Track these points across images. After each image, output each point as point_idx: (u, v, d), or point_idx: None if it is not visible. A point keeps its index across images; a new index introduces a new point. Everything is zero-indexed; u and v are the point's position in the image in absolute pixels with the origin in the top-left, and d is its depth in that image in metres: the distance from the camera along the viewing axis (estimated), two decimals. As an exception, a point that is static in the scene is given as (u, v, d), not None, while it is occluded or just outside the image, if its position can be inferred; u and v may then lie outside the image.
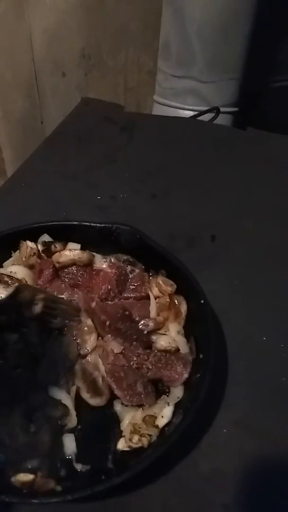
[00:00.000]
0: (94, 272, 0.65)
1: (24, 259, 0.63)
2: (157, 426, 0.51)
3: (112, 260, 0.65)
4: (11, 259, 0.65)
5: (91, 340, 0.57)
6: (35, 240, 0.66)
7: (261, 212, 0.83)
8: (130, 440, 0.51)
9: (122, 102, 1.60)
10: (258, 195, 0.86)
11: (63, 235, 0.67)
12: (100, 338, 0.58)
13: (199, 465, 0.52)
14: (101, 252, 0.67)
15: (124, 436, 0.52)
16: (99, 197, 0.84)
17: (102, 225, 0.66)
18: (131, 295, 0.63)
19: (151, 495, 0.50)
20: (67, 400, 0.52)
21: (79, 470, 0.49)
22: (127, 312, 0.59)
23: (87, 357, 0.56)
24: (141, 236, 0.65)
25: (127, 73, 1.58)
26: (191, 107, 1.12)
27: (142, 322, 0.59)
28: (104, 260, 0.66)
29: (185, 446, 0.52)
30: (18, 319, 0.53)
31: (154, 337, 0.59)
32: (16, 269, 0.61)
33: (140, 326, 0.59)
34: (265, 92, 1.31)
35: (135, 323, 0.59)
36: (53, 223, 0.67)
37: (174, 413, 0.52)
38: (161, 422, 0.51)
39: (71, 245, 0.65)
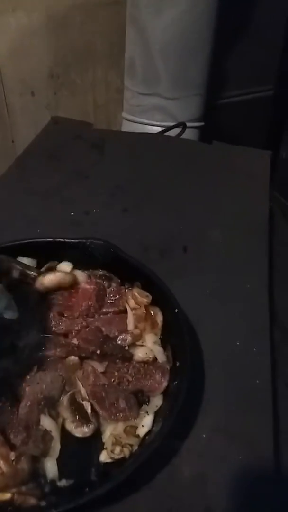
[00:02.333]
0: (72, 290, 0.65)
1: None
2: (138, 436, 0.52)
3: (90, 276, 0.66)
4: None
5: (76, 377, 0.57)
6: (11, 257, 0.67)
7: (229, 221, 0.86)
8: (112, 451, 0.51)
9: (92, 119, 1.63)
10: (225, 206, 0.90)
11: (39, 252, 0.68)
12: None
13: (181, 471, 0.53)
14: (76, 267, 0.69)
15: (106, 448, 0.52)
16: (72, 213, 0.85)
17: (77, 240, 0.67)
18: (110, 309, 0.64)
19: (135, 505, 0.50)
20: (55, 431, 0.52)
21: (62, 485, 0.49)
22: (104, 333, 0.60)
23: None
24: (115, 250, 0.67)
25: (96, 91, 1.61)
26: (158, 123, 1.16)
27: (120, 337, 0.60)
28: (81, 276, 0.66)
29: (166, 453, 0.53)
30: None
31: (132, 350, 0.60)
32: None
33: (119, 342, 0.60)
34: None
35: (115, 339, 0.60)
36: (28, 240, 0.68)
37: (154, 422, 0.53)
38: (142, 431, 0.52)
39: (64, 265, 0.67)
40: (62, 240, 0.68)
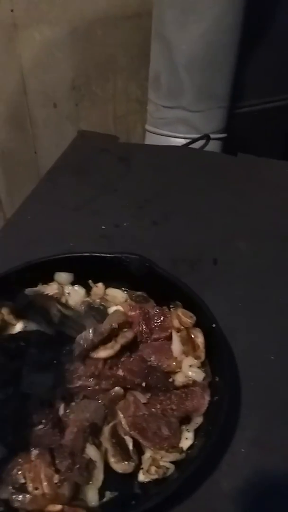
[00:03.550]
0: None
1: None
2: (181, 449, 0.53)
3: (130, 301, 0.68)
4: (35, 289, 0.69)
5: (117, 407, 0.56)
6: (48, 273, 0.68)
7: (257, 233, 0.87)
8: (148, 471, 0.52)
9: (112, 130, 1.66)
10: (254, 217, 0.91)
11: (76, 266, 0.69)
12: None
13: (221, 485, 0.54)
14: (110, 280, 0.71)
15: (143, 468, 0.53)
16: (103, 227, 0.87)
17: (112, 255, 0.69)
18: (161, 335, 0.63)
19: (177, 517, 0.52)
20: (99, 461, 0.52)
21: (108, 498, 0.51)
22: (149, 363, 0.60)
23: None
24: (150, 264, 0.68)
25: (116, 102, 1.64)
26: (182, 135, 1.18)
27: (165, 365, 0.60)
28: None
29: (206, 467, 0.54)
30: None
31: (172, 376, 0.60)
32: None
33: (163, 369, 0.60)
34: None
35: (159, 369, 0.59)
36: (66, 255, 0.70)
37: (196, 436, 0.54)
38: (186, 444, 0.53)
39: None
40: (99, 254, 0.69)
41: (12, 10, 1.30)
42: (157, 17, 1.11)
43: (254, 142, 1.24)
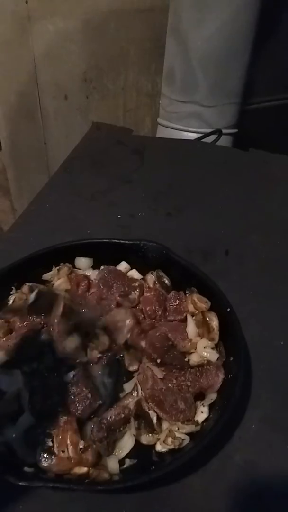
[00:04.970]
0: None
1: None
2: (197, 422, 0.57)
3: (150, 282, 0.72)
4: (50, 273, 0.72)
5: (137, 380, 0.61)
6: (70, 256, 0.72)
7: (268, 226, 0.90)
8: (165, 442, 0.56)
9: (121, 123, 1.68)
10: (263, 211, 0.94)
11: (95, 252, 0.73)
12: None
13: (233, 457, 0.58)
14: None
15: (160, 439, 0.56)
16: (119, 216, 0.90)
17: (131, 242, 0.72)
18: (177, 317, 0.67)
19: (192, 485, 0.55)
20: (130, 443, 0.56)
21: (128, 465, 0.54)
22: (170, 342, 0.63)
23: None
24: (167, 252, 0.71)
25: (126, 96, 1.66)
26: (194, 130, 1.20)
27: (181, 344, 0.64)
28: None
29: (219, 440, 0.58)
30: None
31: (187, 357, 0.64)
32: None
33: (180, 349, 0.64)
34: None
35: (176, 350, 0.63)
36: (86, 241, 0.73)
37: (210, 410, 0.58)
38: (201, 417, 0.57)
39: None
40: (118, 241, 0.73)
41: (26, 2, 1.32)
42: (173, 12, 1.13)
43: (264, 138, 1.26)
